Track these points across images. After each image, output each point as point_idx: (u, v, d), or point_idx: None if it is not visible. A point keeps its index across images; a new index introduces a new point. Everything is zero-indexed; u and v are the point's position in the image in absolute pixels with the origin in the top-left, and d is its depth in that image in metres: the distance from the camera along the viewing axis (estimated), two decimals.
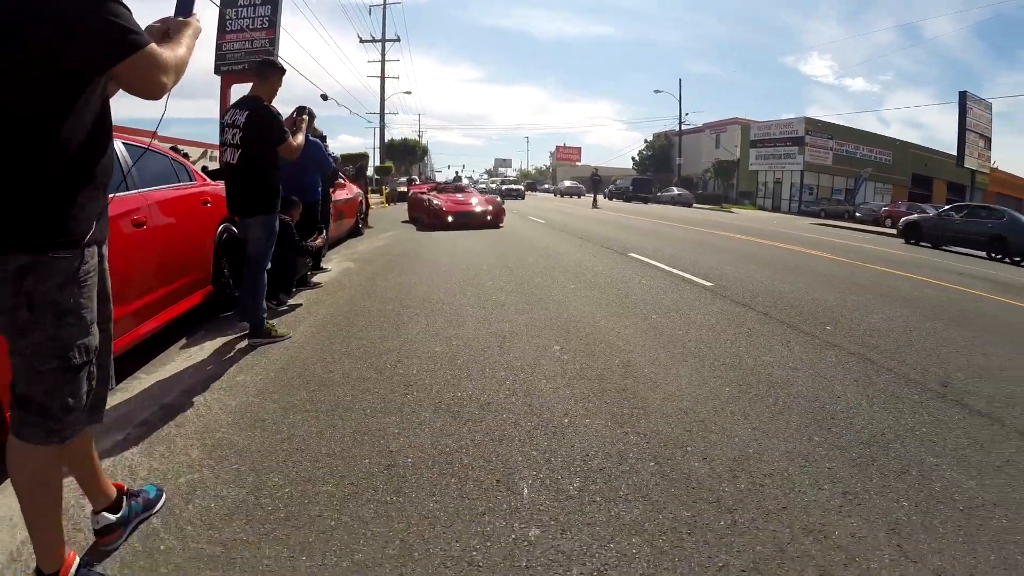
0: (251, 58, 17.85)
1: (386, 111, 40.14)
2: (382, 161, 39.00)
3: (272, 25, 18.87)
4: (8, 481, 1.70)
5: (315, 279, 6.33)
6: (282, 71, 4.18)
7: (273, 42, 18.64)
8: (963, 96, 32.88)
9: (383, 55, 38.70)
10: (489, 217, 14.21)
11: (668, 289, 6.67)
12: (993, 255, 16.46)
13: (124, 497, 2.00)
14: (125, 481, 2.15)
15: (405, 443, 2.67)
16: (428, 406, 3.10)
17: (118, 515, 1.95)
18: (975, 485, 2.54)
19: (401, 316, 5.00)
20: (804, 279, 8.14)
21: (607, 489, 2.34)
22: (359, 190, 12.05)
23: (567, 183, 56.91)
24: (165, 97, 1.75)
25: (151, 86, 1.62)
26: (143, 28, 1.67)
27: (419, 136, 66.10)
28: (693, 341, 4.52)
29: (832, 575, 1.88)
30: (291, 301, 5.29)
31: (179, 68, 1.70)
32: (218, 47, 19.10)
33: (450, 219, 13.46)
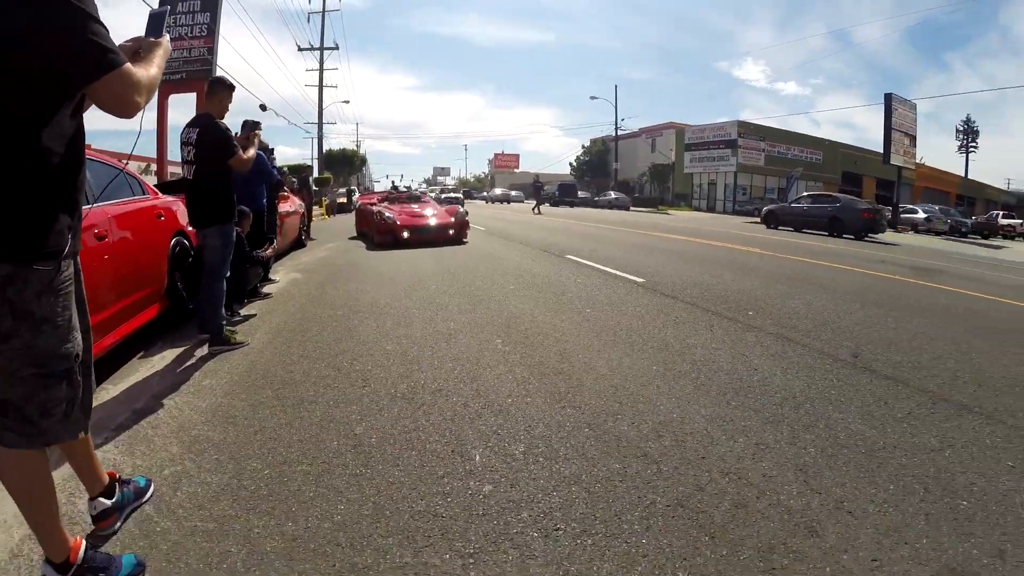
0: (189, 67, 17.54)
1: (324, 121, 40.01)
2: (320, 172, 38.64)
3: (211, 33, 18.56)
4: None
5: (264, 290, 6.52)
6: (231, 87, 4.41)
7: (212, 50, 18.34)
8: (888, 97, 34.75)
9: (321, 63, 38.59)
10: (452, 231, 12.34)
11: (602, 286, 7.13)
12: (832, 233, 20.15)
13: (117, 484, 2.16)
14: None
15: (368, 427, 2.98)
16: (385, 395, 3.42)
17: (113, 500, 2.11)
18: (877, 434, 3.01)
19: (352, 320, 5.27)
20: (731, 272, 8.75)
21: (548, 451, 2.71)
22: (301, 202, 12.15)
23: (498, 191, 58.09)
24: (140, 115, 1.90)
25: (125, 105, 1.65)
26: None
27: (357, 146, 65.65)
28: (624, 330, 4.96)
29: (746, 506, 2.29)
30: (244, 311, 5.48)
31: (151, 87, 1.75)
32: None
33: (405, 235, 11.68)
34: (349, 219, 22.16)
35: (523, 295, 6.46)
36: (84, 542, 1.85)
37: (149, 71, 1.76)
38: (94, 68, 1.56)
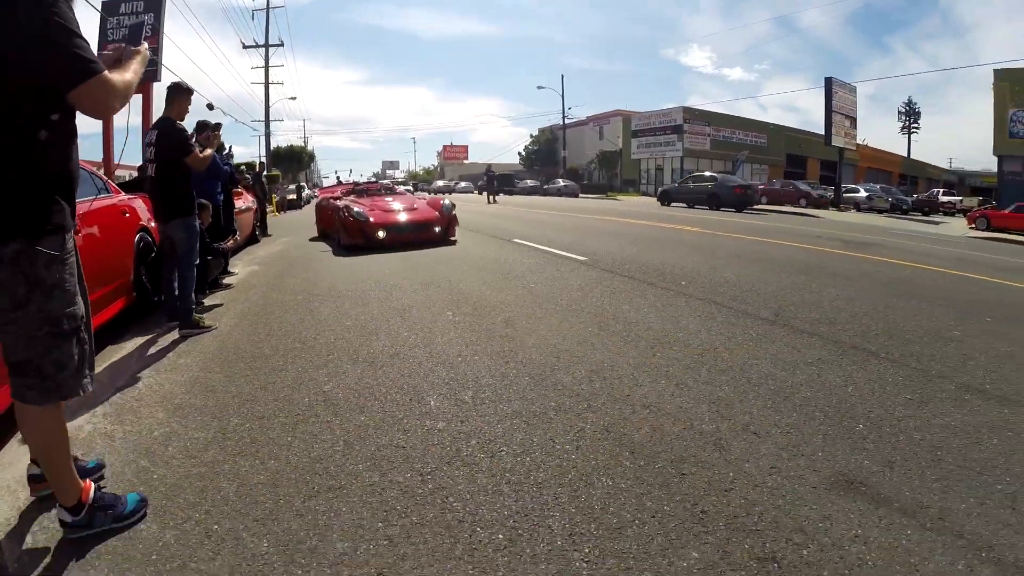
0: None
1: (271, 118, 39.56)
2: (269, 169, 38.35)
3: (155, 33, 18.17)
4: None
5: (225, 281, 6.79)
6: (189, 92, 4.69)
7: (156, 50, 17.92)
8: (829, 81, 35.92)
9: (267, 60, 38.18)
10: (437, 228, 10.23)
11: (546, 265, 7.60)
12: (713, 207, 24.24)
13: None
14: (106, 445, 2.71)
15: (335, 385, 3.37)
16: (348, 361, 3.80)
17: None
18: (787, 375, 3.51)
19: (312, 303, 5.62)
20: (671, 250, 9.33)
21: (493, 396, 3.15)
22: (254, 199, 12.27)
23: (439, 183, 59.34)
24: (125, 126, 2.24)
25: (102, 108, 1.89)
26: (99, 55, 1.94)
27: (305, 142, 64.99)
28: (564, 300, 5.43)
29: (662, 429, 2.76)
30: (208, 301, 5.76)
31: (126, 93, 1.96)
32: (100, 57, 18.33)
33: (381, 235, 9.63)
34: (300, 216, 22.20)
35: (473, 276, 6.87)
36: (92, 484, 2.10)
37: (125, 77, 1.97)
38: (76, 77, 1.78)
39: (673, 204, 27.18)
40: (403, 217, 10.29)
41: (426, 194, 23.95)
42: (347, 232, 9.88)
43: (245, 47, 38.08)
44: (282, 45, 38.83)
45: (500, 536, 1.98)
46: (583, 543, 1.94)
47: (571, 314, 4.91)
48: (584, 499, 2.19)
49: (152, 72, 17.43)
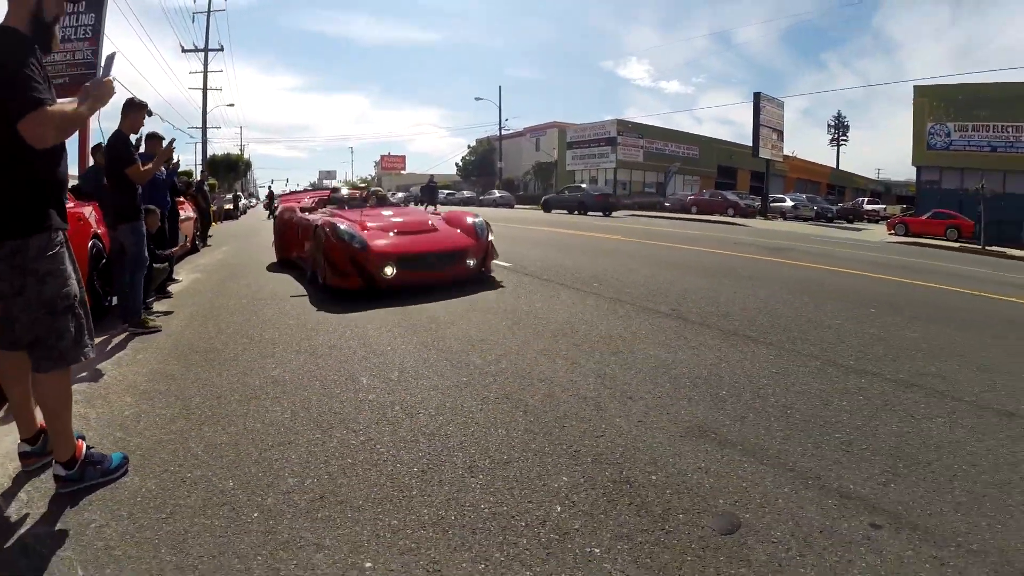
0: (74, 71, 16.81)
1: (208, 125, 38.96)
2: (206, 179, 37.72)
3: (96, 34, 17.81)
4: None
5: (171, 288, 7.18)
6: (142, 106, 5.05)
7: (96, 52, 17.60)
8: (757, 96, 37.97)
9: (205, 66, 37.72)
10: (471, 261, 7.04)
11: None
12: (579, 212, 30.08)
13: (42, 434, 2.66)
14: (82, 424, 3.11)
15: (281, 371, 3.96)
16: (292, 352, 4.39)
17: (34, 447, 2.65)
18: (669, 356, 4.25)
19: (256, 306, 6.14)
20: (589, 256, 10.19)
21: (415, 374, 3.82)
22: (193, 208, 12.47)
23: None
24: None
25: (37, 138, 2.15)
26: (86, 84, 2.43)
27: (241, 150, 63.92)
28: (484, 301, 6.14)
29: (553, 396, 3.45)
30: (158, 307, 6.18)
31: (64, 124, 2.26)
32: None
33: (388, 272, 6.41)
34: (237, 226, 22.26)
35: None
36: (85, 443, 2.55)
37: (65, 109, 2.25)
38: (19, 109, 2.10)
39: (554, 211, 31.94)
40: (421, 243, 6.90)
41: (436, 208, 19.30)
42: (333, 266, 6.45)
43: (184, 51, 37.58)
44: (222, 50, 38.17)
45: (415, 469, 2.63)
46: (479, 472, 2.61)
47: (488, 312, 5.61)
48: (482, 444, 2.87)
49: (92, 75, 17.25)
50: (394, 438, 2.94)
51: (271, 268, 9.14)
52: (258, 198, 52.99)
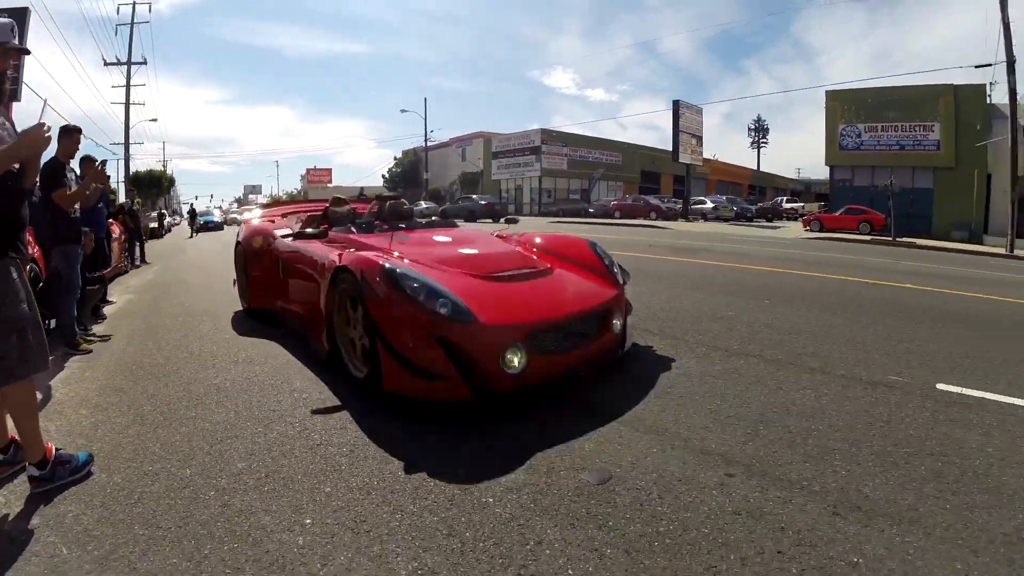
0: None
1: (131, 141, 37.89)
2: (133, 198, 36.62)
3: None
4: None
5: (104, 310, 7.43)
6: (75, 131, 5.29)
7: (18, 67, 17.16)
8: (676, 103, 39.40)
9: (128, 79, 36.60)
10: (617, 322, 4.35)
11: None
12: (471, 220, 29.57)
13: (14, 446, 2.99)
14: (44, 437, 3.59)
15: (223, 379, 4.46)
16: (231, 363, 4.88)
17: (5, 456, 2.99)
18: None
19: (192, 322, 6.54)
20: None
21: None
22: (121, 229, 12.47)
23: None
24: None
25: None
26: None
27: (164, 166, 61.96)
28: None
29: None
30: (96, 329, 6.46)
31: None
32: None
33: (516, 363, 3.56)
34: (162, 245, 21.95)
35: None
36: (53, 445, 2.91)
37: None
38: None
39: (451, 219, 33.04)
40: (550, 301, 4.13)
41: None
42: (405, 358, 3.62)
43: (107, 64, 36.38)
44: (145, 63, 36.74)
45: (344, 450, 3.23)
46: (403, 457, 3.20)
47: None
48: (402, 426, 3.47)
49: (14, 91, 16.81)
50: (326, 427, 3.51)
51: (237, 313, 6.92)
52: (182, 215, 51.40)
